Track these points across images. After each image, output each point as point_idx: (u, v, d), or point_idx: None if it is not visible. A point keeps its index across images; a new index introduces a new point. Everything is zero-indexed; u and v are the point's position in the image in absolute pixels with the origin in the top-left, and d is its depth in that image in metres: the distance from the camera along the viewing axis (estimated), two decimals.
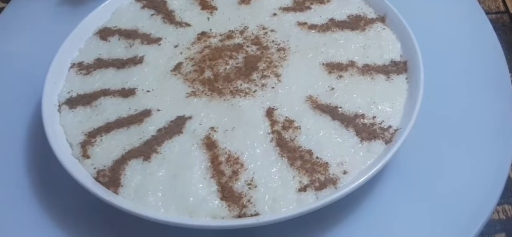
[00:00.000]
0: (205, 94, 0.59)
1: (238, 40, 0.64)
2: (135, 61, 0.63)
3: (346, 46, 0.63)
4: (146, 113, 0.58)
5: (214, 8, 0.68)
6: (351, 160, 0.53)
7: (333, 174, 0.52)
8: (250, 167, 0.53)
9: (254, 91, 0.59)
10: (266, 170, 0.53)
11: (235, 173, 0.53)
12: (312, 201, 0.51)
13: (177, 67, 0.62)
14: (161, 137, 0.56)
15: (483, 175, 0.56)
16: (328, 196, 0.51)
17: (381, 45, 0.62)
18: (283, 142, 0.55)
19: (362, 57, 0.61)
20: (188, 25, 0.67)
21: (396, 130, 0.55)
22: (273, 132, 0.55)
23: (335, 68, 0.60)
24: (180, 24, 0.67)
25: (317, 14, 0.66)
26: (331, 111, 0.57)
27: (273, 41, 0.63)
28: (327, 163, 0.53)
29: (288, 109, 0.57)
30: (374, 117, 0.56)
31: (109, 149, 0.56)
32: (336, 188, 0.51)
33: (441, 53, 0.65)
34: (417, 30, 0.62)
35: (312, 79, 0.60)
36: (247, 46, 0.63)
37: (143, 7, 0.69)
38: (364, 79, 0.59)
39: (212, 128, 0.56)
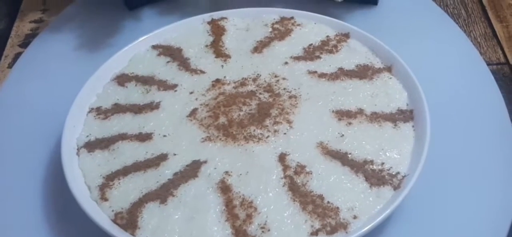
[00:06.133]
0: (220, 139, 0.61)
1: (251, 87, 0.66)
2: (152, 106, 0.65)
3: (355, 94, 0.65)
4: (162, 157, 0.60)
5: (227, 56, 0.71)
6: (361, 205, 0.55)
7: (344, 219, 0.54)
8: (263, 211, 0.55)
9: (267, 137, 0.61)
10: (279, 214, 0.55)
11: (249, 216, 0.54)
12: None
13: (193, 113, 0.64)
14: (177, 181, 0.58)
15: (489, 220, 0.58)
16: None
17: (388, 94, 0.65)
18: (295, 187, 0.57)
19: (370, 105, 0.64)
20: (203, 72, 0.69)
21: (404, 177, 0.57)
22: (285, 177, 0.57)
23: (344, 115, 0.63)
24: (195, 71, 0.69)
25: (326, 63, 0.69)
26: (341, 157, 0.59)
27: (284, 89, 0.66)
28: (337, 207, 0.55)
29: (300, 154, 0.59)
30: (382, 164, 0.58)
31: (126, 192, 0.57)
32: (346, 232, 0.53)
33: (446, 101, 0.68)
34: (422, 80, 0.64)
35: (322, 125, 0.62)
36: (260, 93, 0.65)
37: (159, 54, 0.72)
38: (372, 127, 0.62)
39: (226, 173, 0.58)
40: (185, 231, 0.54)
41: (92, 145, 0.62)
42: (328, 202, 0.55)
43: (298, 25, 0.74)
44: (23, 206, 0.62)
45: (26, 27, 0.88)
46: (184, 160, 0.60)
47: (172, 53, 0.72)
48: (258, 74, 0.68)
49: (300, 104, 0.64)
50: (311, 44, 0.71)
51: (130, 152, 0.61)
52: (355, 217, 0.54)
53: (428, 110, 0.61)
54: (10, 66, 0.81)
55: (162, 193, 0.57)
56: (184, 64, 0.70)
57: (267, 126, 0.62)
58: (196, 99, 0.66)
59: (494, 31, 0.83)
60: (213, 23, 0.75)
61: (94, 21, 0.83)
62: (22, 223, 0.61)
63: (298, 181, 0.57)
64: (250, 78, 0.68)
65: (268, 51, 0.71)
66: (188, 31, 0.74)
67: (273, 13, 0.75)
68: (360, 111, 0.63)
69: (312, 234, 0.53)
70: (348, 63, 0.69)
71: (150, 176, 0.58)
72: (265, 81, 0.67)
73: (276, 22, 0.74)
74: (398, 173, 0.57)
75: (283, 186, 0.57)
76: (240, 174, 0.58)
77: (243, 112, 0.63)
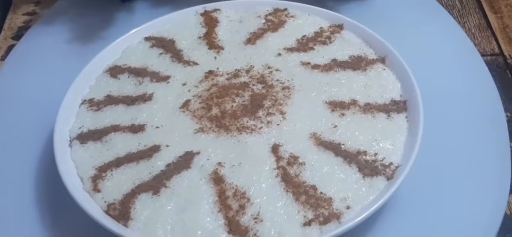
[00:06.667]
0: (213, 130, 0.61)
1: (244, 78, 0.66)
2: (145, 98, 0.65)
3: (348, 85, 0.65)
4: (155, 149, 0.60)
5: (221, 47, 0.71)
6: (354, 196, 0.55)
7: (337, 209, 0.54)
8: (256, 202, 0.55)
9: (260, 128, 0.61)
10: (272, 204, 0.55)
11: (242, 207, 0.54)
12: (316, 235, 0.52)
13: (185, 104, 0.64)
14: (170, 172, 0.57)
15: (482, 211, 0.58)
16: (332, 230, 0.52)
17: (382, 85, 0.65)
18: (288, 177, 0.56)
19: (363, 96, 0.64)
20: (195, 64, 0.69)
21: (397, 167, 0.57)
22: (278, 167, 0.57)
23: (337, 106, 0.63)
24: (188, 63, 0.69)
25: (320, 55, 0.69)
26: (334, 148, 0.59)
27: (278, 80, 0.66)
28: (330, 198, 0.55)
29: (293, 145, 0.59)
30: (375, 154, 0.58)
31: (119, 183, 0.57)
32: (339, 222, 0.53)
33: (439, 92, 0.67)
34: (416, 71, 0.64)
35: (315, 116, 0.62)
36: (253, 85, 0.65)
37: (152, 46, 0.71)
38: (365, 117, 0.61)
39: (219, 164, 0.58)
40: (177, 222, 0.54)
41: (84, 137, 0.62)
42: (321, 192, 0.55)
43: (292, 16, 0.74)
44: (16, 197, 0.62)
45: (19, 19, 0.88)
46: (177, 151, 0.59)
47: (165, 44, 0.72)
48: (251, 65, 0.68)
49: (293, 95, 0.64)
50: (305, 35, 0.71)
51: (123, 144, 0.61)
52: (348, 208, 0.54)
53: (422, 101, 0.61)
54: (3, 58, 0.81)
55: (155, 184, 0.56)
56: (177, 55, 0.70)
57: (260, 117, 0.62)
58: (189, 90, 0.65)
59: (488, 22, 0.83)
60: (206, 14, 0.75)
61: (87, 13, 0.83)
62: (15, 214, 0.60)
63: (291, 172, 0.57)
64: (243, 69, 0.67)
65: (261, 43, 0.71)
66: (181, 23, 0.74)
67: (267, 5, 0.75)
68: (354, 102, 0.63)
69: (305, 224, 0.53)
70: (341, 54, 0.68)
71: (143, 167, 0.58)
72: (258, 72, 0.67)
73: (270, 14, 0.74)
74: (391, 163, 0.57)
75: (276, 177, 0.57)
76: (233, 165, 0.58)
77: (236, 104, 0.63)
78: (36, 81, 0.74)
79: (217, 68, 0.68)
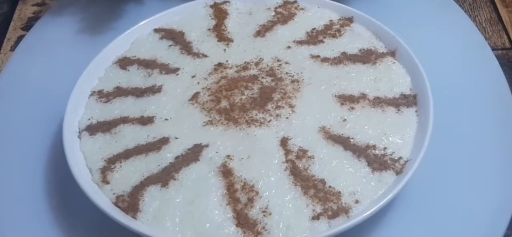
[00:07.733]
0: (222, 123, 0.61)
1: (253, 71, 0.66)
2: (154, 90, 0.65)
3: (358, 79, 0.64)
4: (164, 141, 0.60)
5: (230, 40, 0.71)
6: (362, 190, 0.55)
7: (346, 203, 0.54)
8: (265, 195, 0.55)
9: (269, 121, 0.60)
10: (280, 198, 0.54)
11: (250, 200, 0.54)
12: (325, 229, 0.52)
13: (195, 97, 0.64)
14: (179, 164, 0.57)
15: (491, 206, 0.58)
16: (341, 224, 0.52)
17: (392, 79, 0.64)
18: (297, 171, 0.56)
19: (373, 90, 0.63)
20: (205, 56, 0.69)
21: (406, 162, 0.57)
22: (287, 161, 0.57)
23: (347, 100, 0.62)
24: (197, 55, 0.69)
25: (329, 48, 0.68)
26: (343, 142, 0.59)
27: (287, 73, 0.65)
28: (339, 192, 0.55)
29: (302, 139, 0.59)
30: (385, 148, 0.58)
31: (128, 175, 0.57)
32: (348, 216, 0.53)
33: (450, 87, 0.67)
34: (426, 65, 0.64)
35: (325, 110, 0.61)
36: (262, 77, 0.65)
37: (161, 38, 0.71)
38: (375, 111, 0.61)
39: (228, 156, 0.58)
40: (186, 214, 0.54)
41: (93, 128, 0.62)
42: (330, 186, 0.55)
43: (301, 9, 0.73)
44: (24, 188, 0.62)
45: (29, 10, 0.88)
46: (186, 144, 0.59)
47: (174, 36, 0.71)
48: (260, 58, 0.68)
49: (302, 89, 0.64)
50: (314, 28, 0.71)
51: (132, 135, 0.61)
52: (357, 202, 0.54)
53: (432, 95, 0.60)
54: (13, 49, 0.81)
55: (164, 177, 0.57)
56: (186, 47, 0.70)
57: (269, 110, 0.61)
58: (198, 83, 0.65)
59: (499, 16, 0.82)
60: (215, 6, 0.75)
61: (97, 4, 0.83)
62: (23, 205, 0.61)
63: (300, 166, 0.57)
64: (252, 62, 0.67)
65: (270, 35, 0.71)
66: (190, 15, 0.74)
67: None
68: (363, 96, 0.63)
69: (313, 218, 0.53)
70: (351, 48, 0.68)
71: (152, 159, 0.58)
72: (267, 65, 0.67)
73: (279, 6, 0.74)
74: (400, 158, 0.57)
75: (284, 170, 0.56)
76: (242, 158, 0.57)
77: (245, 96, 0.63)
78: (45, 72, 0.74)
79: (226, 61, 0.68)
